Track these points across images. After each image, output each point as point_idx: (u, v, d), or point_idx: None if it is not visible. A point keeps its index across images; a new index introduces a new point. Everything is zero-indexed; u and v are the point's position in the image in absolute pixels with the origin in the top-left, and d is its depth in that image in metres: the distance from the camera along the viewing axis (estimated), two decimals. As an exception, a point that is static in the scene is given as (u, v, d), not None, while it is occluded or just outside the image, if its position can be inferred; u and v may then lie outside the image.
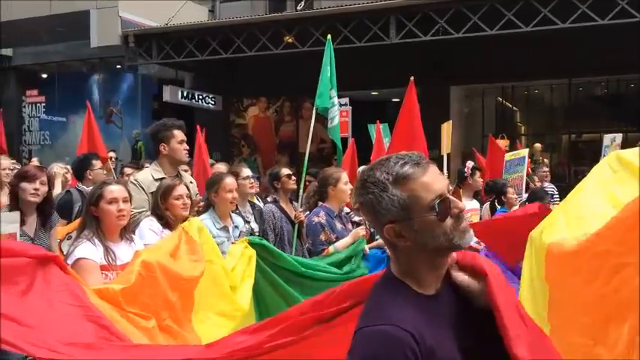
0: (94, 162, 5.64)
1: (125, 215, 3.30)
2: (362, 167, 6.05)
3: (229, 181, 4.47)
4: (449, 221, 1.43)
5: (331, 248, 4.46)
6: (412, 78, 5.41)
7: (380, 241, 4.99)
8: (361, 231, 4.48)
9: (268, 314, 3.52)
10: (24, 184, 3.83)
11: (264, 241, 3.87)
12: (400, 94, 14.35)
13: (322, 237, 4.52)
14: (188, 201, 3.85)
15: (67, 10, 12.45)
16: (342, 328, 1.71)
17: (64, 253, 3.41)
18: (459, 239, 1.45)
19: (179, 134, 4.54)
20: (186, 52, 12.43)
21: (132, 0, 12.52)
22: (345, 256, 4.23)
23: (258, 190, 5.82)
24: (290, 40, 11.81)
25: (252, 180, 5.21)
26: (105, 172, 5.92)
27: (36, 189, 3.82)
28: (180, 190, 3.82)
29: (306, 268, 3.82)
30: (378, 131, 8.63)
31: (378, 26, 10.84)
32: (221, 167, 6.36)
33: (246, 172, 5.20)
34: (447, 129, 7.33)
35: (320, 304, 1.81)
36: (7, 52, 16.84)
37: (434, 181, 1.44)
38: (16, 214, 3.44)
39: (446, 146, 7.29)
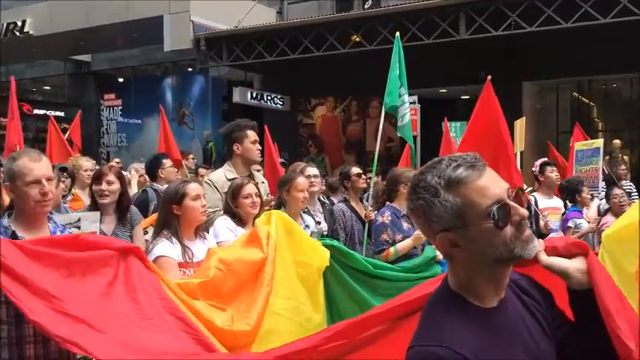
0: (164, 161, 5.82)
1: (205, 211, 3.41)
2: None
3: (301, 180, 4.51)
4: (509, 230, 1.31)
5: (392, 249, 4.40)
6: (489, 77, 5.20)
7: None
8: (423, 235, 4.39)
9: (339, 314, 3.53)
10: (94, 186, 4.01)
11: (335, 242, 3.87)
12: (469, 91, 14.15)
13: (384, 237, 4.47)
14: (257, 200, 3.91)
15: (142, 16, 12.89)
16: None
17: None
18: (520, 250, 1.32)
19: (252, 134, 4.61)
20: (255, 54, 12.63)
21: (203, 2, 12.82)
22: (413, 265, 4.17)
23: (323, 188, 5.83)
24: (357, 39, 11.79)
25: (315, 179, 5.21)
26: (177, 170, 6.09)
27: (102, 190, 3.97)
28: (249, 189, 3.88)
29: (377, 269, 3.79)
30: (446, 130, 8.47)
31: (447, 22, 10.66)
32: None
33: (311, 170, 5.21)
34: (520, 126, 7.11)
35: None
36: (87, 57, 17.67)
37: (490, 185, 1.32)
38: (97, 214, 3.60)
39: (519, 144, 7.07)
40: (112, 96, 18.43)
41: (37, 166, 2.58)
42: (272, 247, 3.21)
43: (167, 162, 5.84)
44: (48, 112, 16.37)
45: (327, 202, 5.62)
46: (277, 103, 14.67)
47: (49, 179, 2.59)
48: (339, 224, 5.10)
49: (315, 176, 5.00)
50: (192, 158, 9.46)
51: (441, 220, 1.33)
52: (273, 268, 3.14)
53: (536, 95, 13.90)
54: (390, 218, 4.39)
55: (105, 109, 18.55)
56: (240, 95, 13.62)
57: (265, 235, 3.26)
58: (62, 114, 15.94)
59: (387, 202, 4.60)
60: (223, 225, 3.83)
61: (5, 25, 14.59)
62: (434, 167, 1.36)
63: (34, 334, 2.49)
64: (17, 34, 14.47)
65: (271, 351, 2.14)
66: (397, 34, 5.67)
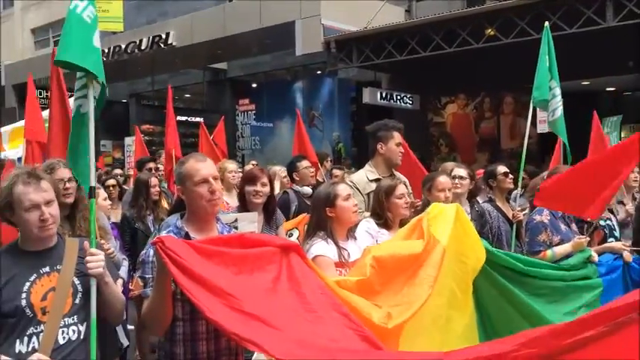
0: (297, 164, 5.92)
1: (357, 211, 3.41)
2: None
3: (442, 179, 4.39)
4: None
5: (549, 252, 4.15)
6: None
7: (613, 244, 4.53)
8: (583, 240, 4.08)
9: (488, 315, 3.36)
10: (248, 187, 4.15)
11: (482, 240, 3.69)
12: (616, 82, 13.07)
13: (542, 237, 4.22)
14: (409, 200, 3.85)
15: (274, 22, 13.30)
16: None
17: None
18: None
19: (398, 136, 4.57)
20: (385, 54, 12.57)
21: (333, 5, 12.98)
22: (567, 265, 3.88)
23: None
24: (492, 33, 11.34)
25: (461, 181, 5.03)
26: (312, 170, 6.17)
27: (257, 191, 4.10)
28: (402, 189, 3.84)
29: (528, 266, 3.54)
30: (596, 125, 7.85)
31: (593, 9, 9.93)
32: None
33: (458, 171, 5.03)
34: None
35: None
36: (223, 65, 18.57)
37: None
38: (254, 215, 3.72)
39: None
40: (247, 101, 19.22)
41: (203, 166, 2.70)
42: (438, 248, 3.10)
43: (302, 164, 5.93)
44: (189, 119, 17.45)
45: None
46: (407, 102, 14.50)
47: (215, 178, 2.70)
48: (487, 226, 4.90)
49: (461, 177, 4.83)
50: (330, 160, 9.55)
51: None
52: (438, 269, 3.04)
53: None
54: (548, 218, 4.15)
55: (240, 114, 19.40)
56: (370, 96, 13.62)
57: (435, 228, 3.16)
58: (202, 120, 16.87)
59: (542, 202, 4.34)
60: (364, 228, 3.80)
61: (151, 38, 15.69)
62: None
63: (207, 330, 2.60)
64: (162, 46, 15.51)
65: (454, 353, 2.06)
66: (546, 23, 5.35)
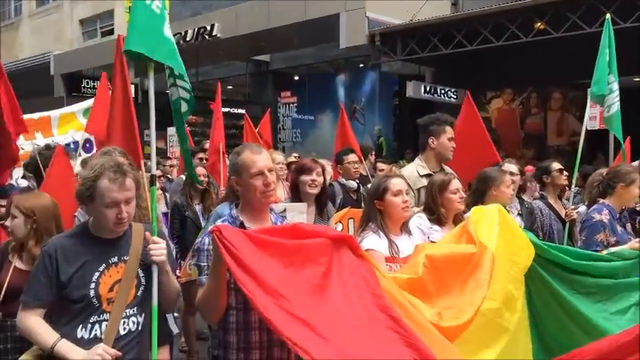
0: (343, 157, 5.89)
1: (408, 207, 3.35)
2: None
3: (507, 178, 4.30)
4: None
5: (605, 252, 4.01)
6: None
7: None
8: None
9: (538, 313, 3.27)
10: (303, 177, 4.13)
11: (530, 234, 3.57)
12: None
13: (600, 237, 4.07)
14: (464, 194, 3.78)
15: (319, 15, 13.25)
16: None
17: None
18: None
19: (450, 131, 4.49)
20: (430, 47, 12.40)
21: (378, 0, 12.87)
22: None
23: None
24: (541, 27, 11.06)
25: (513, 177, 4.94)
26: (356, 165, 6.14)
27: (313, 180, 4.09)
28: (456, 184, 3.77)
29: (577, 259, 3.35)
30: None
31: (650, 2, 9.58)
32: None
33: (509, 167, 4.95)
34: None
35: None
36: (266, 57, 18.63)
37: None
38: (304, 205, 3.70)
39: None
40: (288, 93, 19.24)
41: (260, 157, 2.68)
42: (487, 253, 3.03)
43: (347, 157, 5.89)
44: (231, 110, 17.57)
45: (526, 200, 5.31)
46: (451, 96, 14.30)
47: (270, 170, 2.68)
48: (537, 223, 4.79)
49: (512, 173, 4.72)
50: (375, 154, 9.47)
51: None
52: (491, 271, 2.97)
53: None
54: (608, 217, 4.01)
55: (281, 106, 19.44)
56: (414, 89, 13.46)
57: (480, 232, 3.10)
58: (244, 111, 16.97)
59: (600, 200, 4.20)
60: (415, 224, 3.74)
61: (196, 29, 15.83)
62: None
63: (260, 320, 2.59)
64: (207, 37, 15.64)
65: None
66: (607, 15, 5.17)
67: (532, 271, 3.34)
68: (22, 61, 21.84)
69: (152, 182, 2.92)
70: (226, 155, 7.71)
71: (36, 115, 7.36)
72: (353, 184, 5.78)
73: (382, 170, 6.39)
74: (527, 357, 3.18)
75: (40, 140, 7.10)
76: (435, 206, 3.76)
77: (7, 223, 3.28)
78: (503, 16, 11.30)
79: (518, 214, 4.74)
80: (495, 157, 5.30)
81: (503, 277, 3.12)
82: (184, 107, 3.20)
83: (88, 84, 18.59)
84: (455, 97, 14.37)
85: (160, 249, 2.62)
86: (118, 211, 2.56)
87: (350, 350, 2.30)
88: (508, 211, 4.58)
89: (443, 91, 14.09)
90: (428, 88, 13.79)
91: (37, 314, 2.54)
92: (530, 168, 7.36)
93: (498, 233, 3.13)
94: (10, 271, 3.20)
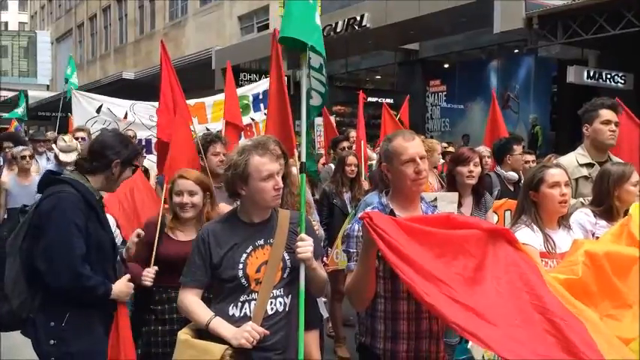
0: (514, 147, 5.63)
1: (566, 201, 3.12)
2: None
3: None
4: None
5: None
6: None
7: None
8: None
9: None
10: (460, 168, 4.02)
11: None
12: None
13: None
14: None
15: (470, 0, 12.79)
16: None
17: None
18: None
19: (606, 113, 4.15)
20: (595, 29, 11.44)
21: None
22: None
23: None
24: None
25: None
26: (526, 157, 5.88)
27: (470, 171, 3.97)
28: (637, 176, 3.45)
29: None
30: None
31: None
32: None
33: None
34: None
35: None
36: (415, 46, 18.40)
37: None
38: (455, 195, 3.60)
39: None
40: (437, 82, 18.88)
41: (411, 144, 2.64)
42: None
43: (517, 148, 5.63)
44: (379, 100, 17.61)
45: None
46: (618, 81, 13.08)
47: (422, 158, 2.63)
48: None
49: None
50: (523, 146, 9.01)
51: None
52: None
53: None
54: None
55: (430, 95, 19.13)
56: (576, 75, 12.51)
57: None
58: (392, 101, 16.93)
59: None
60: (575, 220, 3.46)
61: (346, 20, 16.04)
62: None
63: (408, 310, 2.57)
64: (356, 28, 15.78)
65: None
66: None
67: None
68: (188, 57, 23.55)
69: (302, 169, 2.99)
70: (367, 146, 7.78)
71: (192, 102, 7.78)
72: (514, 175, 5.52)
73: (528, 162, 5.94)
74: None
75: (197, 126, 7.50)
76: (607, 199, 3.47)
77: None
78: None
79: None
80: None
81: None
82: (317, 100, 3.20)
83: (245, 77, 19.61)
84: (623, 81, 13.15)
85: (306, 246, 2.66)
86: (275, 182, 2.67)
87: (518, 336, 2.18)
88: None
89: (609, 76, 12.95)
90: (592, 73, 12.75)
91: (194, 294, 2.72)
92: None
93: None
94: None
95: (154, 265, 3.39)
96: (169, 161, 4.16)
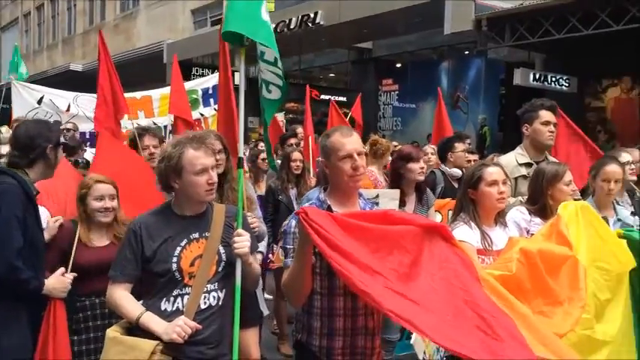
0: (456, 144, 5.71)
1: (505, 199, 3.17)
2: None
3: (609, 168, 3.98)
4: None
5: None
6: None
7: None
8: None
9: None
10: (411, 165, 4.08)
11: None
12: None
13: None
14: (576, 187, 3.55)
15: (424, 0, 12.93)
16: None
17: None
18: None
19: (545, 115, 4.27)
20: (541, 32, 11.74)
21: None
22: None
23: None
24: (668, 9, 10.15)
25: (632, 166, 4.60)
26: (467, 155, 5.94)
27: (422, 167, 4.05)
28: (570, 175, 3.54)
29: None
30: None
31: None
32: None
33: (626, 157, 4.60)
34: None
35: None
36: (368, 45, 18.51)
37: None
38: (397, 192, 3.62)
39: None
40: (390, 81, 19.04)
41: (349, 140, 2.63)
42: (581, 251, 2.82)
43: (459, 146, 5.71)
44: (332, 97, 17.65)
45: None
46: (562, 84, 13.48)
47: (359, 154, 2.62)
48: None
49: (629, 163, 4.38)
50: (469, 143, 9.18)
51: None
52: (586, 280, 2.76)
53: None
54: None
55: (382, 94, 19.28)
56: (522, 77, 12.82)
57: (569, 231, 2.88)
58: (344, 99, 16.98)
59: None
60: (511, 218, 3.53)
61: (300, 17, 15.99)
62: None
63: (344, 307, 2.56)
64: (310, 25, 15.75)
65: None
66: None
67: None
68: (139, 50, 23.05)
69: (239, 164, 2.94)
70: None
71: (139, 95, 7.60)
72: (457, 171, 5.60)
73: (470, 162, 6.03)
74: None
75: (143, 120, 7.34)
76: (541, 197, 3.54)
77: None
78: (625, -2, 10.47)
79: (632, 213, 4.37)
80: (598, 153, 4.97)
81: (590, 285, 2.88)
82: (277, 94, 3.18)
83: (197, 71, 19.33)
84: (567, 84, 13.56)
85: (242, 241, 2.64)
86: (209, 177, 2.64)
87: (450, 331, 2.20)
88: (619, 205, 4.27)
89: (554, 79, 13.33)
90: (537, 76, 13.10)
91: (123, 288, 2.65)
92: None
93: (585, 237, 2.93)
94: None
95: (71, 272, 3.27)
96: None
